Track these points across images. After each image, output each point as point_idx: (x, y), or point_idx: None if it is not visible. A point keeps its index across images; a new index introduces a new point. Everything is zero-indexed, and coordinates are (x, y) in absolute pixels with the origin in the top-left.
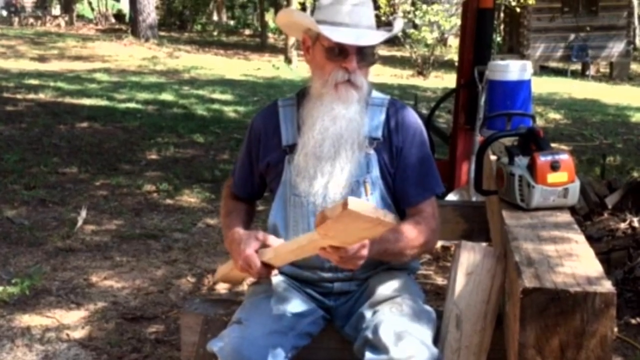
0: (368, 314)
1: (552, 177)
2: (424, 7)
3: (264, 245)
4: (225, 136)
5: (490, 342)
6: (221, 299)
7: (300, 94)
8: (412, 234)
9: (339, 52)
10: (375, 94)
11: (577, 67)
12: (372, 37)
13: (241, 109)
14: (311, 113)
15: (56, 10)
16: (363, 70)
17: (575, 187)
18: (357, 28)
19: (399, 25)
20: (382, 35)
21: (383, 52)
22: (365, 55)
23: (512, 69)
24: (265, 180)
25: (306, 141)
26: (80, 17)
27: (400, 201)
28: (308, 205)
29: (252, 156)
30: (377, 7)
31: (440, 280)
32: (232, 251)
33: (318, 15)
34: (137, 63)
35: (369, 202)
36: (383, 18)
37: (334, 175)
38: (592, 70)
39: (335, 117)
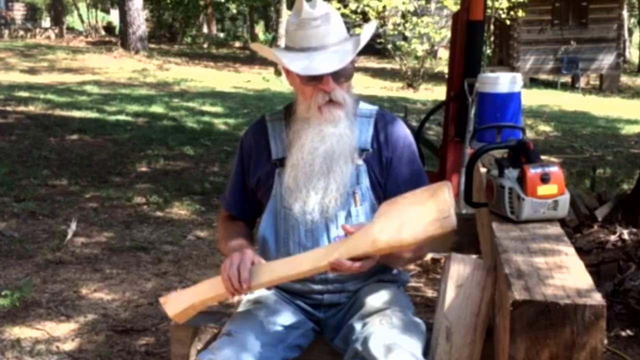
0: (358, 326)
1: (542, 190)
2: (414, 19)
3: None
4: (215, 148)
5: (480, 354)
6: (211, 311)
7: (288, 107)
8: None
9: (313, 76)
10: (363, 105)
11: (567, 79)
12: (340, 57)
13: (231, 121)
14: (299, 134)
15: (46, 22)
16: (343, 85)
17: (565, 199)
18: (324, 50)
19: (368, 31)
20: (351, 52)
21: (373, 64)
22: (341, 71)
23: (502, 82)
24: (257, 197)
25: (295, 162)
26: (70, 29)
27: None
28: (300, 220)
29: (245, 172)
30: (366, 19)
31: (430, 293)
32: (229, 253)
33: (287, 41)
34: (127, 75)
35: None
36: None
37: (329, 190)
38: (582, 83)
39: (324, 137)
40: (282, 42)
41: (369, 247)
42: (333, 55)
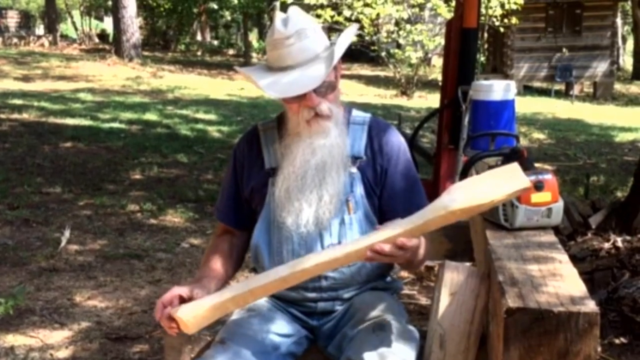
0: (351, 333)
1: (536, 197)
2: (408, 26)
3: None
4: (209, 156)
5: None
6: None
7: (281, 116)
8: (423, 244)
9: (295, 95)
10: (356, 112)
11: (561, 87)
12: (315, 76)
13: (225, 128)
14: (290, 149)
15: (40, 30)
16: (328, 97)
17: (559, 207)
18: (300, 68)
19: (344, 40)
20: (324, 70)
21: (366, 72)
22: (323, 84)
23: (496, 89)
24: (251, 207)
25: (287, 176)
26: (64, 37)
27: (390, 220)
28: (294, 232)
29: (238, 182)
30: (360, 27)
31: (423, 300)
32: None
33: (268, 59)
34: (121, 83)
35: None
36: (367, 38)
37: (323, 201)
38: (576, 90)
39: (314, 149)
40: None
41: (442, 218)
42: (307, 74)
